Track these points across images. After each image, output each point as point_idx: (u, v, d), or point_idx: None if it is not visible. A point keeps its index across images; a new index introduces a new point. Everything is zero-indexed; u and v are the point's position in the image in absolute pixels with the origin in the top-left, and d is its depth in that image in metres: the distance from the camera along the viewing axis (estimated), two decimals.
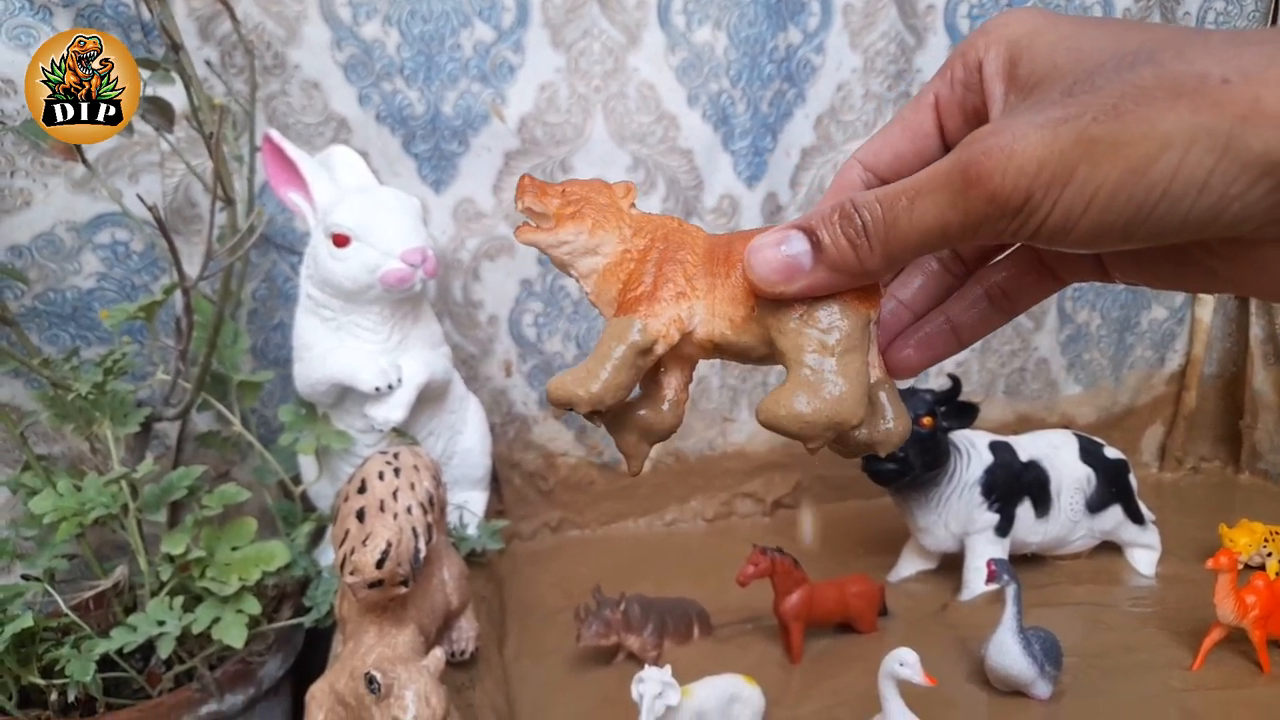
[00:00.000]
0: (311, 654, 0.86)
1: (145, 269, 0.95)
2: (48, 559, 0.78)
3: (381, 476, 0.64)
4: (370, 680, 0.55)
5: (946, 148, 0.30)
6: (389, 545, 0.57)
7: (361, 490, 0.63)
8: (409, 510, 0.62)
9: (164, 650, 0.68)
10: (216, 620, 0.70)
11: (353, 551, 0.59)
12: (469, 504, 0.90)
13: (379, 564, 0.57)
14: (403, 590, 0.59)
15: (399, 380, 0.75)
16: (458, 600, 0.70)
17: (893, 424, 0.30)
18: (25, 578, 0.75)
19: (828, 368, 0.28)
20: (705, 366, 1.11)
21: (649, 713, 0.64)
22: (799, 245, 0.27)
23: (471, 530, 0.86)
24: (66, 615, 0.76)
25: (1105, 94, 0.22)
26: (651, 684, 0.65)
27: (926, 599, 0.94)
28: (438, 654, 0.58)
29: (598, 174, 1.08)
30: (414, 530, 0.61)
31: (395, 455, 0.67)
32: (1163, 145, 0.22)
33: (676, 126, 1.09)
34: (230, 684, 0.75)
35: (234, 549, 0.73)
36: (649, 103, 1.08)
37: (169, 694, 0.74)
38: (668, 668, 0.66)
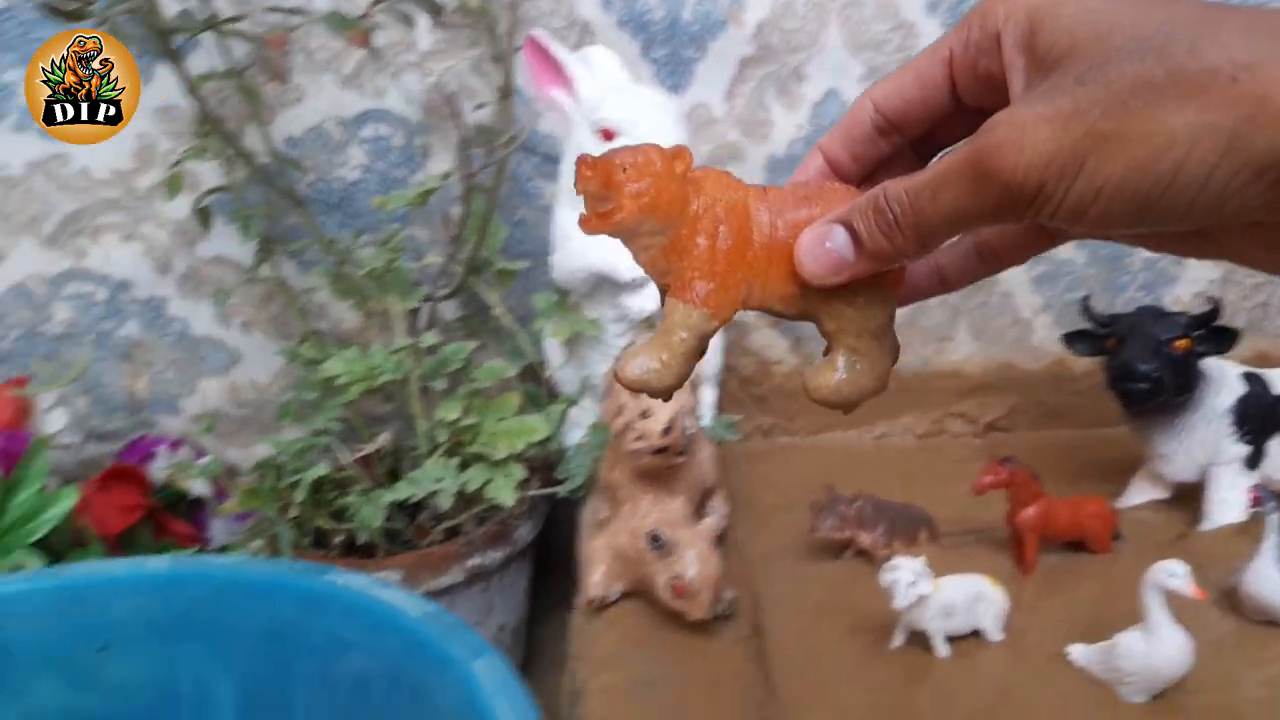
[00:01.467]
0: (551, 523, 0.92)
1: (404, 163, 1.01)
2: (324, 420, 0.87)
3: None
4: (655, 539, 0.59)
5: (958, 100, 0.30)
6: (674, 416, 0.60)
7: None
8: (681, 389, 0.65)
9: (444, 503, 0.75)
10: (488, 481, 0.76)
11: (637, 419, 0.62)
12: (701, 398, 0.93)
13: (665, 432, 0.60)
14: (679, 460, 0.63)
15: None
16: (712, 479, 0.73)
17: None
18: (317, 433, 0.83)
19: (869, 348, 0.31)
20: None
21: (903, 599, 0.66)
22: (841, 239, 0.29)
23: (706, 422, 0.90)
24: (345, 470, 0.84)
25: (1116, 87, 0.23)
26: (905, 572, 0.66)
27: (1160, 528, 0.92)
28: (711, 521, 0.61)
29: (830, 85, 1.09)
30: (686, 408, 0.64)
31: None
32: (1168, 142, 0.22)
33: (914, 34, 1.06)
34: (490, 542, 0.82)
35: (499, 420, 0.79)
36: (887, 10, 1.05)
37: (439, 546, 0.81)
38: (922, 558, 0.67)
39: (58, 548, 0.81)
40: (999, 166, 0.24)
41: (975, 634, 0.72)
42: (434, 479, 0.76)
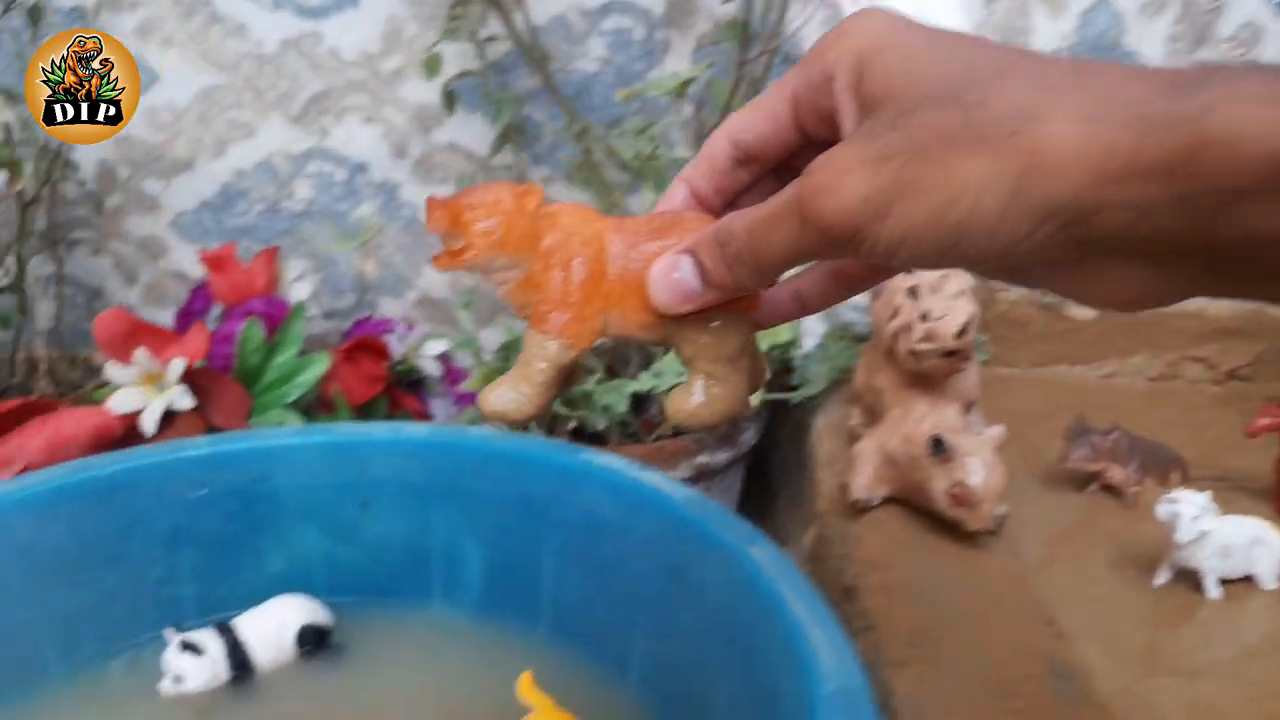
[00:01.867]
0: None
1: (643, 57, 0.99)
2: None
3: None
4: (937, 443, 0.57)
5: (806, 135, 0.31)
6: (969, 319, 0.57)
7: (910, 270, 0.64)
8: (961, 294, 0.62)
9: None
10: None
11: (917, 321, 0.60)
12: None
13: (959, 334, 0.57)
14: (963, 366, 0.60)
15: None
16: (975, 393, 0.70)
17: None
18: None
19: (725, 373, 0.33)
20: None
21: (1185, 533, 0.62)
22: (688, 270, 0.30)
23: None
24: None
25: (919, 135, 0.24)
26: (1188, 505, 0.62)
27: None
28: (995, 431, 0.58)
29: None
30: (975, 315, 0.61)
31: None
32: (960, 191, 0.23)
33: None
34: (720, 442, 0.82)
35: None
36: None
37: (669, 440, 0.81)
38: (1207, 493, 0.63)
39: (308, 411, 0.86)
40: (818, 210, 0.25)
41: (1247, 579, 0.68)
42: (676, 372, 0.75)
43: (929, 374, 0.61)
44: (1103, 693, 0.49)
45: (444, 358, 0.99)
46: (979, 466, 0.56)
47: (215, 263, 0.86)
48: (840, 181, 0.25)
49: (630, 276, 0.32)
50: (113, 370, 0.70)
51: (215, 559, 0.72)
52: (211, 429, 0.77)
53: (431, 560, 0.75)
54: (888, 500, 0.63)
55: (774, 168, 0.33)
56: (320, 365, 0.82)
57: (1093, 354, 1.09)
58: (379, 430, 0.76)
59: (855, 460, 0.63)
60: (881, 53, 0.26)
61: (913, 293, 0.62)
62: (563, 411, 0.83)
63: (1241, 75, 0.20)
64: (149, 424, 0.70)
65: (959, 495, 0.56)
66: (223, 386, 0.76)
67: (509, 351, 0.80)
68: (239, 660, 0.64)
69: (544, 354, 0.33)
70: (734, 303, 0.32)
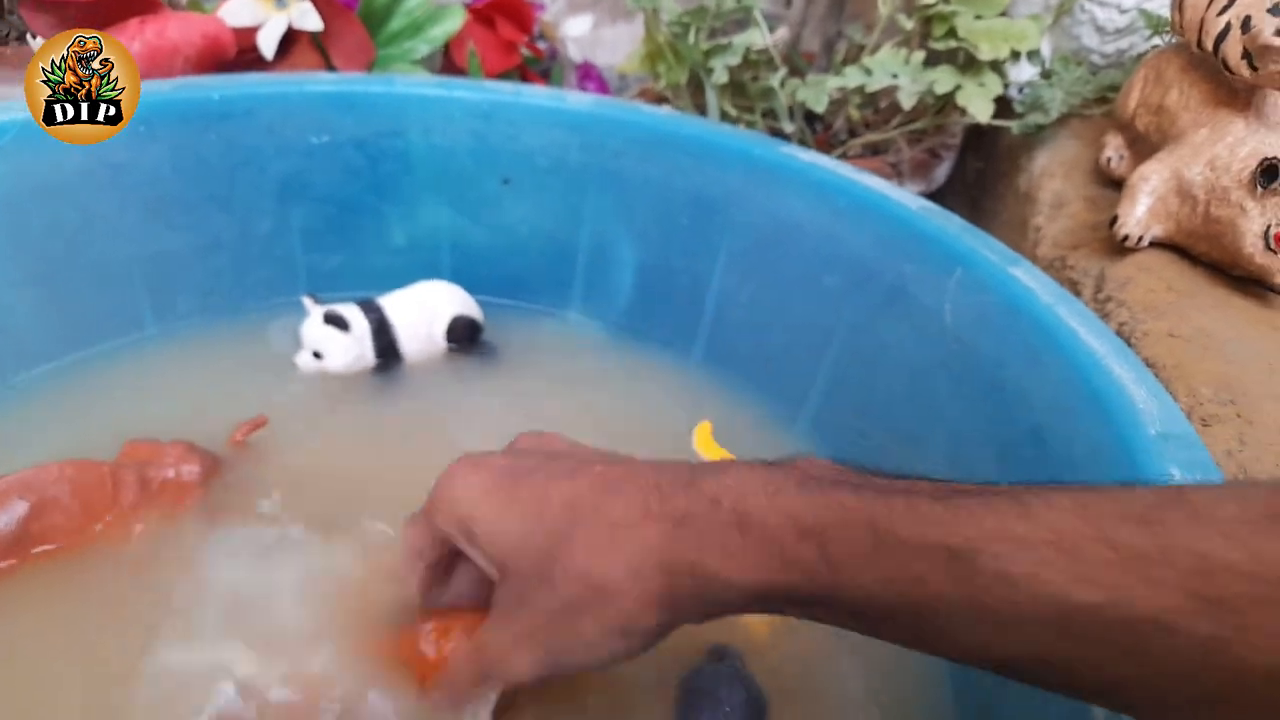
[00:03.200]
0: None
1: None
2: None
3: None
4: (1270, 171, 0.45)
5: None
6: None
7: None
8: None
9: (906, 102, 0.61)
10: (958, 88, 0.62)
11: (1264, 11, 0.46)
12: None
13: None
14: None
15: None
16: None
17: None
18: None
19: None
20: None
21: None
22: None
23: None
24: (761, 51, 0.70)
25: (540, 614, 0.29)
26: None
27: None
28: None
29: None
30: None
31: None
32: (590, 643, 0.29)
33: None
34: (915, 170, 0.70)
35: (977, 18, 0.63)
36: None
37: (856, 160, 0.69)
38: None
39: (436, 74, 0.73)
40: (506, 675, 0.31)
41: None
42: (890, 73, 0.62)
43: (1260, 86, 0.48)
44: None
45: (581, 45, 0.86)
46: None
47: None
48: (510, 657, 0.30)
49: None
50: None
51: (331, 220, 0.63)
52: (330, 71, 0.66)
53: (577, 258, 0.65)
54: (1154, 244, 0.52)
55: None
56: (455, 20, 0.69)
57: None
58: (535, 94, 0.64)
59: (1131, 189, 0.51)
60: (474, 524, 0.31)
61: None
62: (733, 112, 0.70)
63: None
64: (267, 44, 0.58)
65: None
66: (345, 23, 0.64)
67: (688, 25, 0.66)
68: (385, 344, 0.55)
69: None
70: None
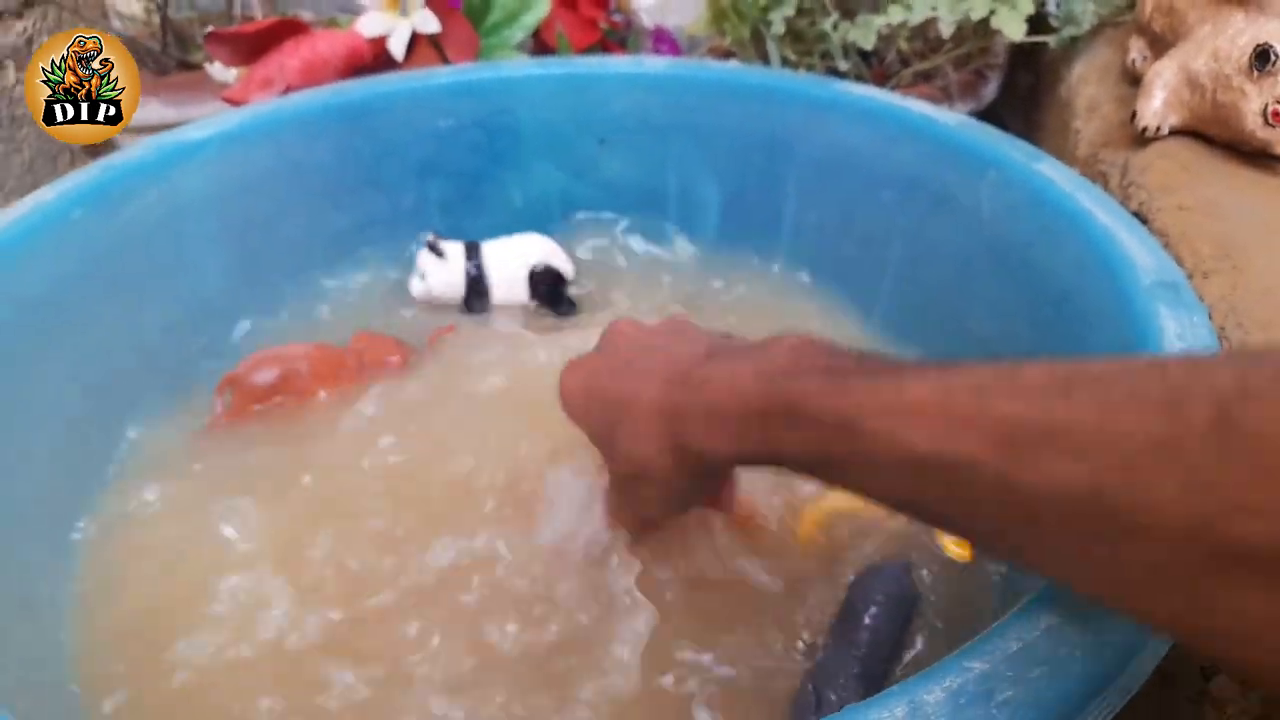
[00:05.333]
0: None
1: None
2: None
3: None
4: (1264, 54, 0.52)
5: None
6: None
7: None
8: None
9: (945, 31, 0.69)
10: (993, 12, 0.69)
11: None
12: None
13: None
14: None
15: None
16: None
17: None
18: None
19: None
20: None
21: None
22: None
23: None
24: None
25: (618, 479, 0.42)
26: None
27: None
28: None
29: None
30: None
31: None
32: (644, 500, 0.41)
33: None
34: (963, 92, 0.77)
35: None
36: None
37: (908, 88, 0.77)
38: None
39: (531, 56, 0.84)
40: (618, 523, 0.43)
41: None
42: (930, 6, 0.70)
43: None
44: None
45: (651, 13, 0.95)
46: None
47: None
48: (618, 514, 0.43)
49: None
50: None
51: (461, 190, 0.75)
52: (446, 65, 0.77)
53: (668, 201, 0.76)
54: (1174, 133, 0.59)
55: None
56: (543, 6, 0.80)
57: None
58: (617, 64, 0.74)
59: (1146, 86, 0.58)
60: (580, 423, 0.41)
61: None
62: (793, 58, 0.79)
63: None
64: (397, 47, 0.70)
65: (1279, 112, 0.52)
66: (454, 22, 0.75)
67: None
68: (477, 275, 0.67)
69: None
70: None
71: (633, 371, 0.39)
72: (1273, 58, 0.52)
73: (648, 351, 0.40)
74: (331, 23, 0.73)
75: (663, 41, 0.96)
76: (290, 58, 0.66)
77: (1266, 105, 0.53)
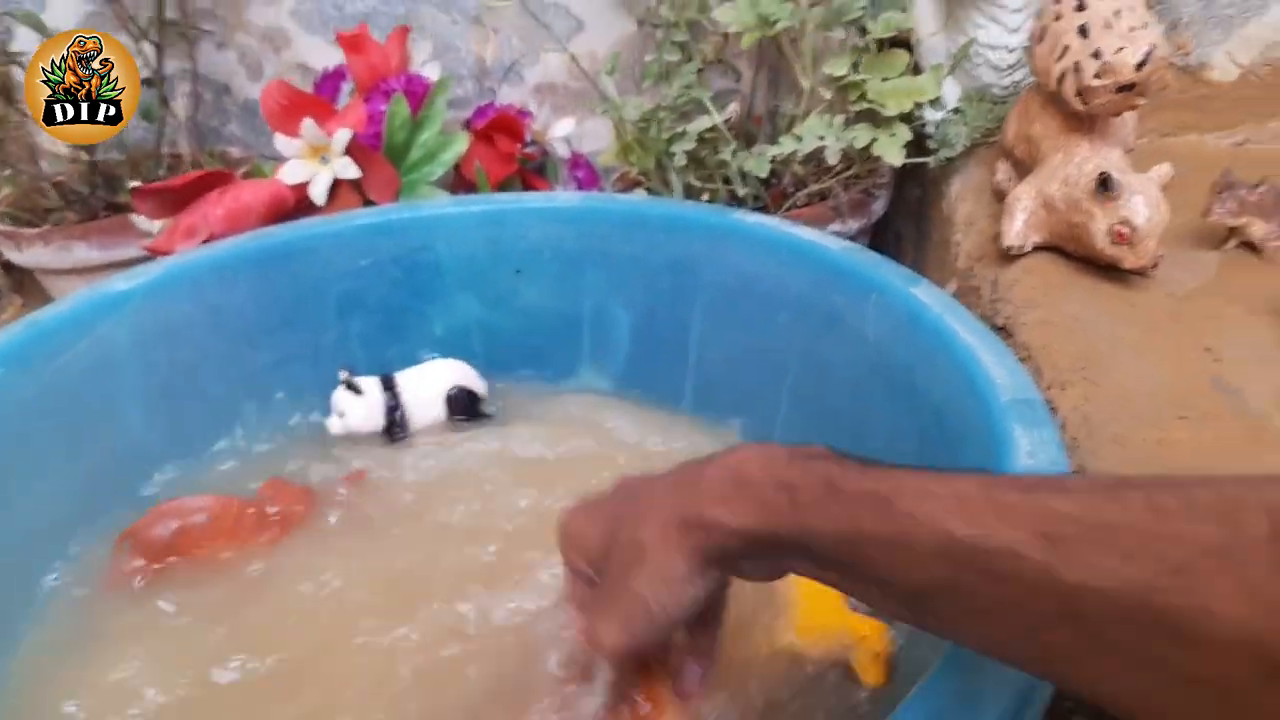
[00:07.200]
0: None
1: None
2: (681, 88, 0.87)
3: None
4: (1105, 181, 0.57)
5: None
6: (1152, 48, 0.56)
7: (1080, 8, 0.62)
8: (1141, 27, 0.60)
9: (831, 159, 0.75)
10: (874, 141, 0.75)
11: (1088, 59, 0.59)
12: None
13: (1139, 66, 0.56)
14: (1138, 103, 0.59)
15: None
16: (1131, 141, 0.69)
17: None
18: (687, 88, 0.83)
19: None
20: None
21: None
22: None
23: None
24: (714, 130, 0.84)
25: (609, 580, 0.37)
26: None
27: None
28: (1164, 169, 0.58)
29: None
30: (1160, 43, 0.59)
31: None
32: (636, 599, 0.35)
33: None
34: (853, 210, 0.83)
35: (884, 79, 0.77)
36: None
37: (806, 208, 0.82)
38: None
39: (449, 191, 0.88)
40: (597, 651, 0.38)
41: None
42: (817, 135, 0.75)
43: (1096, 115, 0.60)
44: (1262, 406, 0.51)
45: (568, 141, 1.00)
46: (1144, 204, 0.57)
47: (351, 43, 0.86)
48: (600, 631, 0.37)
49: None
50: (281, 142, 0.73)
51: (382, 324, 0.77)
52: (367, 205, 0.81)
53: (582, 326, 0.79)
54: (1038, 248, 0.64)
55: None
56: (461, 143, 0.84)
57: (1228, 120, 1.04)
58: (532, 199, 0.78)
59: (1009, 208, 0.63)
60: (576, 545, 0.39)
61: (1083, 31, 0.61)
62: (696, 184, 0.84)
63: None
64: (319, 193, 0.74)
65: (1122, 233, 0.57)
66: (375, 163, 0.79)
67: (648, 122, 0.80)
68: (394, 406, 0.69)
69: None
70: None
71: (642, 496, 0.37)
72: (1112, 184, 0.57)
73: (650, 485, 0.38)
74: (257, 170, 0.76)
75: (580, 168, 1.01)
76: (214, 207, 0.69)
77: (1111, 226, 0.58)
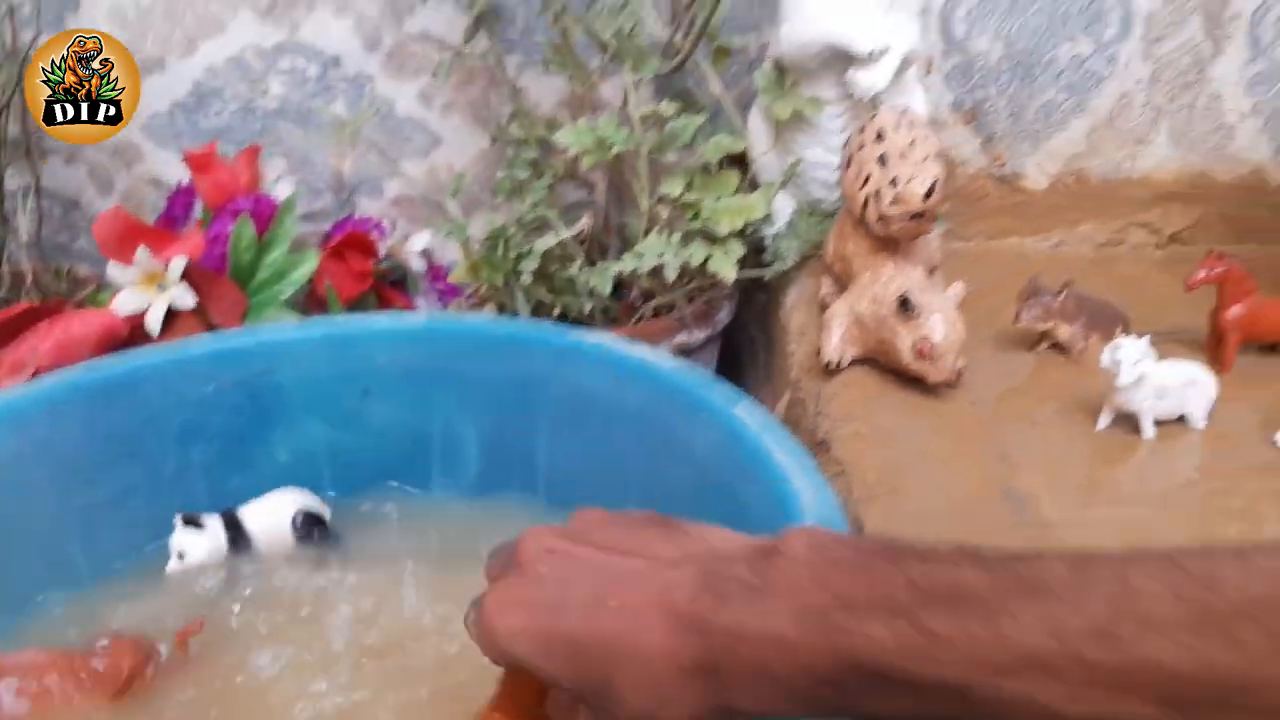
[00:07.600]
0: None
1: None
2: (535, 196, 0.90)
3: (897, 128, 0.68)
4: (904, 302, 0.62)
5: None
6: (936, 181, 0.61)
7: (879, 139, 0.68)
8: (928, 158, 0.66)
9: (670, 275, 0.78)
10: (710, 257, 0.79)
11: (887, 186, 0.64)
12: None
13: (926, 196, 0.61)
14: (929, 228, 0.64)
15: (887, 47, 0.77)
16: (938, 258, 0.75)
17: None
18: (536, 205, 0.86)
19: None
20: (1130, 81, 1.06)
21: (1126, 376, 0.67)
22: None
23: None
24: (564, 246, 0.87)
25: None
26: (1130, 350, 0.68)
27: None
28: (957, 289, 0.63)
29: None
30: (942, 177, 0.65)
31: (904, 112, 0.70)
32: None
33: None
34: (697, 320, 0.86)
35: (718, 198, 0.81)
36: None
37: (651, 321, 0.86)
38: (1146, 337, 0.69)
39: (300, 309, 0.88)
40: None
41: (1180, 420, 0.74)
42: (656, 253, 0.79)
43: (896, 238, 0.65)
44: (1051, 517, 0.55)
45: (427, 254, 1.02)
46: (941, 322, 0.61)
47: (198, 162, 0.86)
48: None
49: None
50: (114, 271, 0.72)
51: (225, 452, 0.76)
52: (211, 329, 0.80)
53: (431, 443, 0.80)
54: (857, 361, 0.68)
55: None
56: (311, 262, 0.85)
57: (1043, 225, 1.13)
58: (378, 320, 0.79)
59: (826, 324, 0.67)
60: (531, 665, 0.34)
61: (882, 160, 0.66)
62: (546, 299, 0.87)
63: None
64: (154, 323, 0.73)
65: (923, 350, 0.61)
66: (219, 286, 0.79)
67: (495, 241, 0.82)
68: (237, 536, 0.67)
69: None
70: None
71: (607, 610, 0.32)
72: (910, 305, 0.61)
73: (608, 578, 0.34)
74: (91, 299, 0.75)
75: (438, 278, 1.03)
76: (43, 340, 0.68)
77: (914, 343, 0.62)
